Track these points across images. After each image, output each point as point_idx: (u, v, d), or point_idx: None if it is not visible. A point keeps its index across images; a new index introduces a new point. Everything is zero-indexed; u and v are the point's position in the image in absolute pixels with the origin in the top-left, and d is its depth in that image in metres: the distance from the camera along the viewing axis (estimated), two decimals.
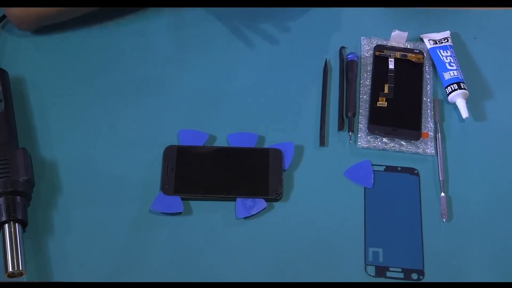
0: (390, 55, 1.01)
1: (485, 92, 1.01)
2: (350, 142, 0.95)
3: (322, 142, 0.95)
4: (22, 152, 0.87)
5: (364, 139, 0.95)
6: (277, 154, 0.92)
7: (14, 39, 1.02)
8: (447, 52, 1.02)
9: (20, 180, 0.85)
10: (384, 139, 0.95)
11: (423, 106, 0.98)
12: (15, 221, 0.83)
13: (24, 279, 0.82)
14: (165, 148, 0.92)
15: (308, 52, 1.03)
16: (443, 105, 0.99)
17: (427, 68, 1.02)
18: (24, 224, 0.85)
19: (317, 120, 0.97)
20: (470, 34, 1.07)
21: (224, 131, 0.94)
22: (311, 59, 1.02)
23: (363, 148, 0.94)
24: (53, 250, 0.85)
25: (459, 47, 1.04)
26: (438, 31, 1.05)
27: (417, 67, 1.01)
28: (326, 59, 1.02)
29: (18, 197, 0.84)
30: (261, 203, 0.88)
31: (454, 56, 1.02)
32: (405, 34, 1.03)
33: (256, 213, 0.88)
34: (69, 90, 0.96)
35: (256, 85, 1.00)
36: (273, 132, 0.95)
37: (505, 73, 1.03)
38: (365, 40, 1.05)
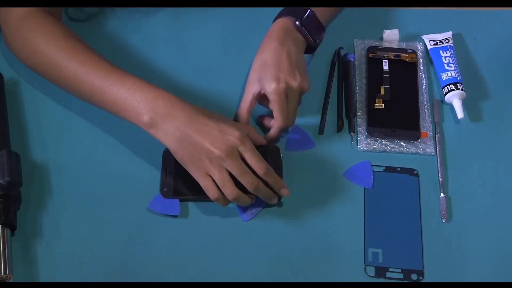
0: (384, 56, 1.01)
1: (484, 92, 1.01)
2: (351, 143, 0.95)
3: (322, 129, 0.96)
4: (4, 153, 0.87)
5: (363, 142, 0.95)
6: (275, 150, 0.91)
7: None
8: (446, 53, 1.02)
9: (1, 181, 0.85)
10: (384, 141, 0.95)
11: (420, 105, 0.98)
12: (3, 224, 0.83)
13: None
14: (164, 150, 0.92)
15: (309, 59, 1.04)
16: (441, 106, 0.99)
17: (421, 67, 1.02)
18: (12, 228, 0.85)
19: (317, 121, 0.97)
20: (470, 35, 1.07)
21: None
22: (310, 61, 1.02)
23: (363, 150, 0.94)
24: (44, 253, 0.85)
25: (458, 47, 1.04)
26: (438, 32, 1.05)
27: (411, 67, 1.01)
28: (337, 49, 1.03)
29: (7, 201, 0.84)
30: (260, 201, 0.88)
31: (454, 57, 1.02)
32: (396, 31, 1.03)
33: (259, 212, 0.88)
34: (63, 93, 0.95)
35: None
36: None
37: (504, 74, 1.03)
38: (358, 42, 1.05)
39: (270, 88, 0.89)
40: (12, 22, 0.91)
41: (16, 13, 0.90)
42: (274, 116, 0.90)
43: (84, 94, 0.88)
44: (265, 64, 0.91)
